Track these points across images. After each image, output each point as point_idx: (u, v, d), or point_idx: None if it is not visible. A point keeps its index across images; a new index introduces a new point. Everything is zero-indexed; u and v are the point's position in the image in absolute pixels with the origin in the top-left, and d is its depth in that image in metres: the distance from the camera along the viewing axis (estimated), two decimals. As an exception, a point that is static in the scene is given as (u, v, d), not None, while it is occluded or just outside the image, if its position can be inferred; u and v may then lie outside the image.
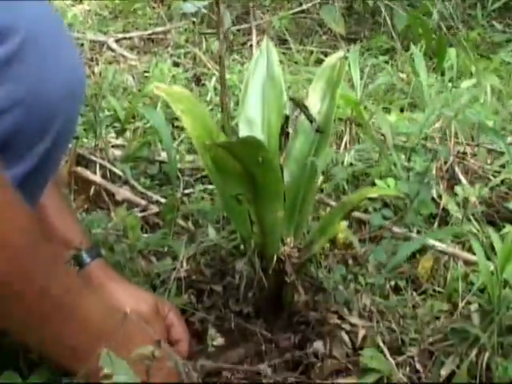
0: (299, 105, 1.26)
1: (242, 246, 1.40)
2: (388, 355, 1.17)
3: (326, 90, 1.32)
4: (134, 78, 2.72)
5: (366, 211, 1.61)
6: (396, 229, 1.45)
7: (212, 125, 1.16)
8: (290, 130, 1.25)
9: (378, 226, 1.30)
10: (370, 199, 1.64)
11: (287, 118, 1.24)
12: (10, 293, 0.82)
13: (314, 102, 1.31)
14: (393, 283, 1.43)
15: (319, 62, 2.72)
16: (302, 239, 1.30)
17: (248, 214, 1.15)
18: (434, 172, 1.44)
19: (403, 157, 1.57)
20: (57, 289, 0.87)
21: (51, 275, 0.86)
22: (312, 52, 3.04)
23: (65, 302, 0.87)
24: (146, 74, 2.71)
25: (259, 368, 1.00)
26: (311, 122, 1.24)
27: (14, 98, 0.82)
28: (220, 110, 1.50)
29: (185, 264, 1.40)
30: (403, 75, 2.63)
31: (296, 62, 2.87)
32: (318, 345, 1.16)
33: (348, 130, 1.85)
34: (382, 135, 1.62)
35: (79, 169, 1.70)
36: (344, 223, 1.16)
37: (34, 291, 0.84)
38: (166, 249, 1.51)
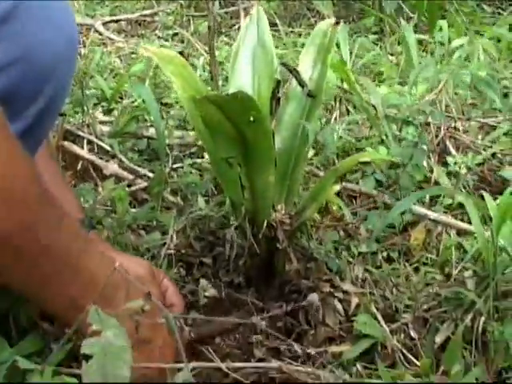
0: (291, 70, 1.23)
1: (232, 217, 1.38)
2: (382, 322, 1.15)
3: (317, 56, 1.30)
4: (121, 60, 2.69)
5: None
6: (388, 200, 1.43)
7: (202, 86, 1.14)
8: (281, 96, 1.23)
9: (370, 188, 1.27)
10: (362, 173, 1.63)
11: (278, 82, 1.21)
12: (9, 247, 0.79)
13: (305, 69, 1.29)
14: (385, 254, 1.41)
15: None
16: (293, 208, 1.28)
17: (239, 179, 1.13)
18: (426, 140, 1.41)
19: (395, 127, 1.55)
20: (60, 248, 0.85)
21: (55, 233, 0.84)
22: (300, 35, 3.01)
23: (68, 261, 0.86)
24: (133, 56, 2.67)
25: (253, 322, 0.96)
26: (302, 86, 1.22)
27: (11, 56, 0.82)
28: (210, 85, 1.47)
29: (174, 238, 1.37)
30: (392, 57, 2.61)
31: (285, 44, 2.84)
32: (313, 297, 1.14)
33: (338, 105, 1.83)
34: (373, 107, 1.60)
35: (66, 143, 1.67)
36: (336, 187, 1.13)
37: (35, 248, 0.82)
38: (154, 223, 1.48)
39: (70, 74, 0.94)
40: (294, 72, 1.23)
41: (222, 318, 1.02)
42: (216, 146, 1.09)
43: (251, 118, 0.98)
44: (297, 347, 1.12)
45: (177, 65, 1.12)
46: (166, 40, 2.93)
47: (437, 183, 1.60)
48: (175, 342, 0.94)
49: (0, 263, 0.80)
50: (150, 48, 1.13)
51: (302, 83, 1.22)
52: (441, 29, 2.35)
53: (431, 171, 1.61)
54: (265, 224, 1.14)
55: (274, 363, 1.03)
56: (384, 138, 1.50)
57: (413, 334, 1.15)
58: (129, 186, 1.61)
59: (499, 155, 1.80)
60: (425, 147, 1.31)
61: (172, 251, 1.32)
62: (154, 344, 0.92)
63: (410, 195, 1.26)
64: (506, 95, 2.02)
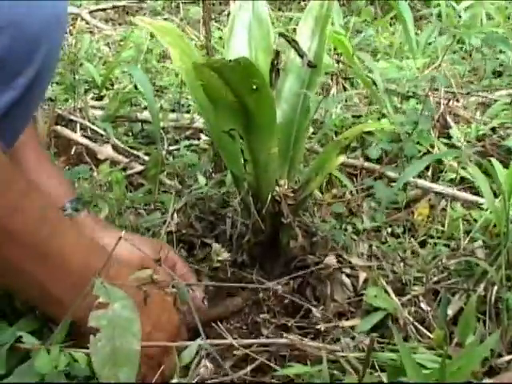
0: (289, 40, 1.20)
1: (232, 197, 1.35)
2: (393, 295, 1.12)
3: (315, 27, 1.27)
4: (109, 47, 2.66)
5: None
6: (390, 173, 1.40)
7: (200, 57, 1.10)
8: (281, 67, 1.20)
9: (376, 156, 1.24)
10: (362, 150, 1.60)
11: (277, 53, 1.17)
12: None
13: (304, 40, 1.25)
14: (389, 230, 1.39)
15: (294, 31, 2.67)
16: (296, 183, 1.25)
17: (241, 152, 1.10)
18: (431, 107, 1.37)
19: (396, 101, 1.52)
20: (26, 233, 0.81)
21: (18, 217, 0.80)
22: (291, 19, 2.98)
23: (35, 246, 0.82)
24: (122, 43, 2.63)
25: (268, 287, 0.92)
26: (302, 56, 1.18)
27: None
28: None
29: (176, 217, 1.33)
30: (385, 38, 2.58)
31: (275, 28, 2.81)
32: (330, 259, 1.11)
33: (334, 82, 1.80)
34: (372, 82, 1.57)
35: (59, 128, 1.63)
36: (340, 158, 1.10)
37: (22, 233, 0.80)
38: (152, 206, 1.45)
39: (59, 43, 0.91)
40: (293, 42, 1.20)
41: (235, 285, 0.98)
42: (217, 117, 1.06)
43: (253, 86, 0.95)
44: (306, 324, 1.09)
45: (174, 36, 1.09)
46: (155, 27, 2.88)
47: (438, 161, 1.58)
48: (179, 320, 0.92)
49: None
50: (145, 19, 1.09)
51: (301, 53, 1.18)
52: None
53: (432, 146, 1.58)
54: (269, 198, 1.10)
55: (285, 339, 1.00)
56: (385, 112, 1.47)
57: (424, 306, 1.12)
58: (124, 169, 1.58)
59: (500, 130, 1.78)
60: (430, 113, 1.27)
61: (173, 231, 1.29)
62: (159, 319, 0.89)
63: (415, 163, 1.22)
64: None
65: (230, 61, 0.90)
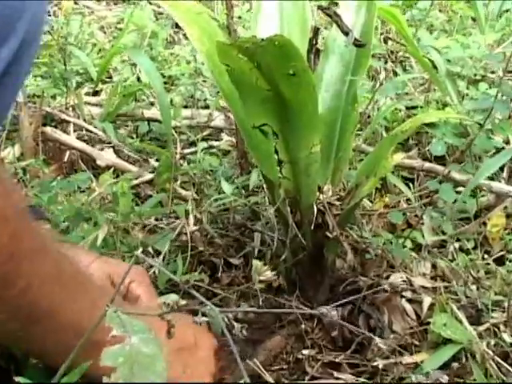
0: (330, 14, 1.20)
1: (263, 206, 1.36)
2: (466, 323, 1.11)
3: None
4: (104, 32, 2.68)
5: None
6: (457, 174, 1.40)
7: (223, 38, 1.11)
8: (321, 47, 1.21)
9: (440, 153, 1.24)
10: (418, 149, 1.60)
11: (317, 30, 1.18)
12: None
13: (348, 14, 1.26)
14: (457, 245, 1.38)
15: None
16: (341, 189, 1.26)
17: (276, 153, 1.10)
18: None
19: (461, 84, 1.52)
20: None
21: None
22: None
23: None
24: (120, 26, 2.66)
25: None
26: (347, 34, 1.19)
27: None
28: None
29: (193, 231, 1.34)
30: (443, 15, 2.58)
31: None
32: (397, 277, 1.11)
33: (383, 66, 1.80)
34: (432, 64, 1.57)
35: (48, 129, 1.65)
36: (397, 157, 1.10)
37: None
38: (164, 221, 1.46)
39: (43, 9, 0.93)
40: (335, 16, 1.20)
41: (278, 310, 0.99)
42: (247, 110, 1.07)
43: (291, 71, 0.96)
44: (359, 360, 1.09)
45: (190, 12, 1.10)
46: (159, 7, 2.90)
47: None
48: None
49: None
50: (154, -8, 1.10)
51: (345, 29, 1.19)
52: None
53: (508, 141, 1.58)
54: (314, 208, 1.11)
55: (334, 379, 1.00)
56: (448, 101, 1.46)
57: (507, 337, 1.11)
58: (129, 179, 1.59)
59: None
60: (505, 99, 1.26)
61: (190, 248, 1.29)
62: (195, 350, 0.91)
63: (488, 161, 1.22)
64: None
65: (263, 40, 0.90)
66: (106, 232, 1.32)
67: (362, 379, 1.04)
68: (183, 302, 0.70)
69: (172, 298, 0.71)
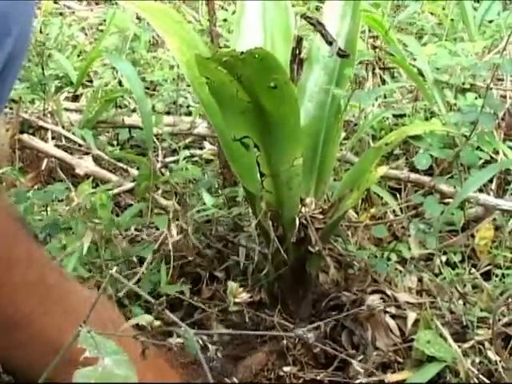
0: (314, 23, 1.22)
1: (245, 219, 1.37)
2: (451, 340, 1.12)
3: (345, 6, 1.29)
4: (85, 33, 2.69)
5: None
6: (444, 186, 1.41)
7: (204, 48, 1.12)
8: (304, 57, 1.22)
9: (425, 166, 1.25)
10: (406, 159, 1.61)
11: (300, 39, 1.19)
12: None
13: (331, 22, 1.28)
14: (444, 258, 1.39)
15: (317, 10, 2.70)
16: (325, 201, 1.27)
17: (257, 165, 1.11)
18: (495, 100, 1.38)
19: (449, 94, 1.53)
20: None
21: None
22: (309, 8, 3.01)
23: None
24: (101, 28, 2.66)
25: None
26: (331, 43, 1.20)
27: None
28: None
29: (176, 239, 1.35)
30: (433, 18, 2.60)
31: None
32: (373, 300, 1.12)
33: (371, 74, 1.81)
34: (419, 72, 1.58)
35: (25, 136, 1.65)
36: (381, 169, 1.12)
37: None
38: (145, 231, 1.46)
39: (29, 21, 0.95)
40: (319, 25, 1.21)
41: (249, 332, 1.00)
42: (227, 122, 1.08)
43: (272, 84, 0.97)
44: (342, 378, 1.10)
45: (170, 20, 1.11)
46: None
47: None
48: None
49: None
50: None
51: (329, 39, 1.20)
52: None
53: (496, 152, 1.59)
54: (296, 221, 1.12)
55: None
56: (435, 110, 1.48)
57: (491, 355, 1.12)
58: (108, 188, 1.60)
59: None
60: (491, 111, 1.28)
61: (172, 260, 1.30)
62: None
63: (476, 173, 1.24)
64: None
65: (242, 53, 0.91)
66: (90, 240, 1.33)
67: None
68: (157, 323, 0.71)
69: (146, 318, 0.72)
